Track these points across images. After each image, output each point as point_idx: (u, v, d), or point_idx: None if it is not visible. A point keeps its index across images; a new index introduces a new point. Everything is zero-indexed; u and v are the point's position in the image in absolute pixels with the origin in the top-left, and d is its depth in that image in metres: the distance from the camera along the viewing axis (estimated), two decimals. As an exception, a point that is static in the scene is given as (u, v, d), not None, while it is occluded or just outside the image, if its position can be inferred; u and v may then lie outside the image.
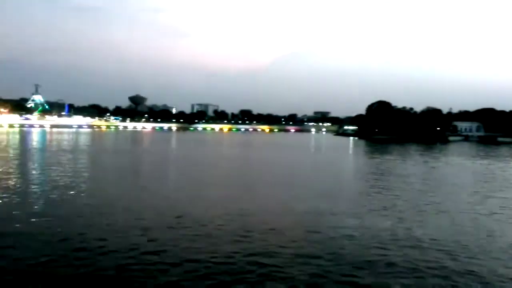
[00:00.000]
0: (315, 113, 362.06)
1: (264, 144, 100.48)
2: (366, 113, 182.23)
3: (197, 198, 22.43)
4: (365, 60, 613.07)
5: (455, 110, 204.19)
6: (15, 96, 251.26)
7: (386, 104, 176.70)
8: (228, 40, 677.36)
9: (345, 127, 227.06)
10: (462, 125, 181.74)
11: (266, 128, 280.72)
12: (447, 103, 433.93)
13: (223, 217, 17.51)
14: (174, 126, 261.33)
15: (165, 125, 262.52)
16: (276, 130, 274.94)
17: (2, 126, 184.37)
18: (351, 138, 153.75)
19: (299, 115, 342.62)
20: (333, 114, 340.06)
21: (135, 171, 37.43)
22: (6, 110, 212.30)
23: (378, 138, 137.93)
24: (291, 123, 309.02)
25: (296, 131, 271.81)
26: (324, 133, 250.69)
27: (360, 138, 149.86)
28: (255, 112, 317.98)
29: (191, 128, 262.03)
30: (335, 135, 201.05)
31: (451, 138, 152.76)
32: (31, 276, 10.59)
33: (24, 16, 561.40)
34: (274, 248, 13.20)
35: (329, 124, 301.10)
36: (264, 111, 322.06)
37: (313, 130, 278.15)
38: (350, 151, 76.31)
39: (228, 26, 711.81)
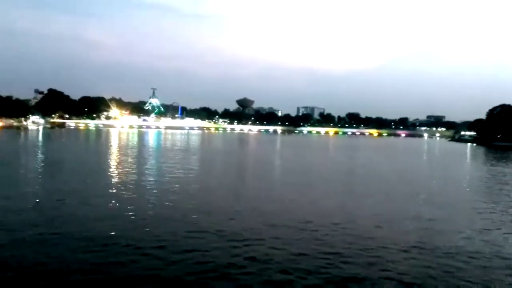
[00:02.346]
0: (428, 117, 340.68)
1: (373, 148, 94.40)
2: (487, 118, 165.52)
3: (312, 205, 19.37)
4: (484, 60, 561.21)
5: None
6: (135, 99, 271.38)
7: (510, 108, 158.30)
8: (336, 42, 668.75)
9: (462, 133, 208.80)
10: None
11: (374, 132, 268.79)
12: None
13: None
14: (279, 129, 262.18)
15: (271, 128, 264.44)
16: (385, 134, 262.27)
17: (123, 127, 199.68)
18: (469, 144, 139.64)
19: (411, 119, 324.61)
20: (448, 118, 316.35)
21: (247, 172, 35.77)
22: (127, 112, 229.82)
23: (500, 145, 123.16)
24: (401, 127, 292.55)
25: (407, 135, 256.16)
26: (437, 138, 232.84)
27: (478, 144, 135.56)
28: (363, 115, 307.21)
29: (297, 131, 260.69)
30: (449, 140, 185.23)
31: None
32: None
33: (140, 26, 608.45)
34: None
35: (443, 129, 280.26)
36: (373, 114, 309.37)
37: (425, 135, 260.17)
38: (468, 159, 67.72)
39: (337, 27, 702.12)
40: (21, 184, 23.44)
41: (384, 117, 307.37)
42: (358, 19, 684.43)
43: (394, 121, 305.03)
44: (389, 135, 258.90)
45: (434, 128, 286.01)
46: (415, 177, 34.81)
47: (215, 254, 11.44)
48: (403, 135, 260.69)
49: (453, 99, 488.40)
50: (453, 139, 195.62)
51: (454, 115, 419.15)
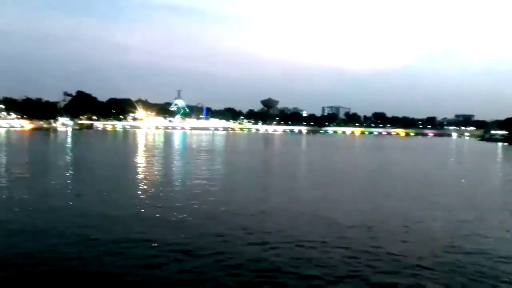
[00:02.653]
0: (457, 116, 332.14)
1: (401, 148, 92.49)
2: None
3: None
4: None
5: None
6: (161, 100, 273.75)
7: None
8: (361, 40, 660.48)
9: (492, 132, 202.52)
10: None
11: (401, 131, 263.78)
12: None
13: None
14: (304, 129, 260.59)
15: (296, 128, 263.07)
16: (412, 134, 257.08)
17: (149, 128, 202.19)
18: (499, 143, 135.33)
19: (439, 118, 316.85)
20: (477, 117, 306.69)
21: (274, 171, 35.38)
22: (153, 113, 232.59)
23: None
24: (429, 126, 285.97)
25: (435, 135, 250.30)
26: (466, 138, 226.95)
27: (510, 144, 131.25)
28: (389, 114, 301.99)
29: (322, 131, 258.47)
30: (479, 140, 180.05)
31: None
32: None
33: (165, 28, 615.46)
34: None
35: (472, 128, 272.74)
36: (399, 113, 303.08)
37: (454, 134, 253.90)
38: (499, 159, 65.38)
39: (363, 25, 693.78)
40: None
41: (411, 116, 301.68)
42: (385, 17, 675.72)
43: (421, 120, 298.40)
44: (416, 134, 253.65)
45: (463, 127, 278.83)
46: (446, 178, 33.70)
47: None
48: (431, 134, 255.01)
49: (482, 98, 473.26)
50: (483, 138, 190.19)
51: (484, 114, 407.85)
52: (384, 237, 13.24)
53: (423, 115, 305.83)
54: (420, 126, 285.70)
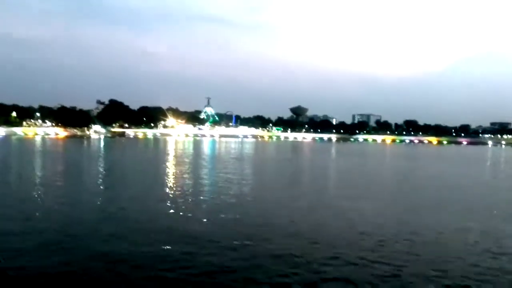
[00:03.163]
0: (492, 124, 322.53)
1: (434, 157, 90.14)
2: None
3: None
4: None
5: None
6: (190, 108, 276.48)
7: None
8: (392, 47, 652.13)
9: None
10: None
11: (433, 139, 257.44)
12: None
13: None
14: (334, 137, 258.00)
15: (325, 136, 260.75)
16: (445, 142, 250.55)
17: (179, 136, 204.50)
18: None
19: (473, 126, 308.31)
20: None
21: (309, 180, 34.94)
22: (183, 121, 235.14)
23: None
24: (463, 134, 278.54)
25: (469, 143, 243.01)
26: (503, 146, 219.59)
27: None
28: (421, 122, 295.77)
29: (352, 139, 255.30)
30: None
31: None
32: None
33: (195, 37, 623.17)
34: None
35: (509, 136, 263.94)
36: (432, 121, 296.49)
37: (490, 142, 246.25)
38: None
39: (393, 32, 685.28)
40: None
41: (444, 124, 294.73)
42: (417, 23, 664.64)
43: (454, 128, 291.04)
44: (449, 142, 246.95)
45: (499, 136, 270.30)
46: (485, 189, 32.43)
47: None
48: (465, 142, 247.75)
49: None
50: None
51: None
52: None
53: (456, 123, 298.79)
54: (454, 134, 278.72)
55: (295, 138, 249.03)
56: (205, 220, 16.88)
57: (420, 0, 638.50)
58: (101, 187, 26.69)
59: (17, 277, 9.83)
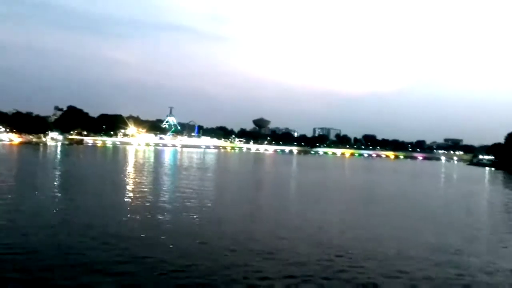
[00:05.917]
0: (446, 140, 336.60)
1: (391, 171, 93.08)
2: (506, 142, 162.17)
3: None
4: (502, 86, 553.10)
5: None
6: (152, 117, 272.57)
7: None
8: (353, 64, 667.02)
9: (480, 157, 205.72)
10: None
11: (391, 154, 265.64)
12: None
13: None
14: (295, 149, 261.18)
15: (287, 148, 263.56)
16: (401, 157, 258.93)
17: (140, 145, 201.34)
18: (487, 168, 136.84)
19: (428, 142, 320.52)
20: (466, 142, 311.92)
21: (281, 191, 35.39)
22: (144, 130, 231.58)
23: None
24: (418, 150, 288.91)
25: (424, 158, 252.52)
26: (455, 162, 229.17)
27: (497, 169, 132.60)
28: (379, 137, 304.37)
29: (312, 152, 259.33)
30: (467, 164, 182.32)
31: None
32: None
33: (158, 45, 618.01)
34: None
35: (461, 152, 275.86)
36: (389, 136, 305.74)
37: (443, 158, 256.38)
38: (487, 184, 66.21)
39: (355, 50, 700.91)
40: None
41: (401, 139, 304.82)
42: (377, 41, 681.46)
43: (411, 143, 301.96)
44: (405, 157, 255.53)
45: (452, 152, 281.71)
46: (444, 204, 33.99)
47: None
48: (420, 158, 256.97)
49: (470, 123, 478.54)
50: (471, 163, 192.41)
51: (472, 139, 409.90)
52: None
53: (413, 139, 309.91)
54: (410, 149, 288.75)
55: (257, 150, 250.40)
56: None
57: (378, 22, 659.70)
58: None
59: None
